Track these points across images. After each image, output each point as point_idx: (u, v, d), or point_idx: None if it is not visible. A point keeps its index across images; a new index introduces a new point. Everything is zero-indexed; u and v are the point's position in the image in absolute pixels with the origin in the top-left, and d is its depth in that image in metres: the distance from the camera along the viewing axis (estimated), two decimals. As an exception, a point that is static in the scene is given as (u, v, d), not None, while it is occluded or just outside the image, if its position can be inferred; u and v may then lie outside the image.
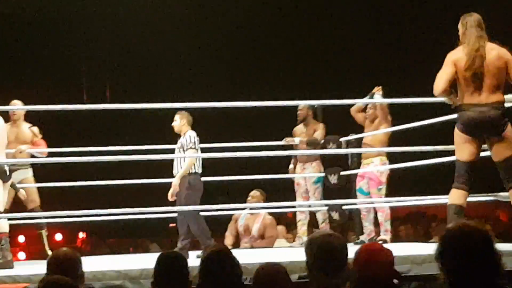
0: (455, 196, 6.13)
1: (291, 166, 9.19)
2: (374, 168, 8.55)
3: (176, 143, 7.94)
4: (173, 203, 7.71)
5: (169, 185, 7.85)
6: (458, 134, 6.13)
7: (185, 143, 7.74)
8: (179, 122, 7.92)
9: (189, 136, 7.80)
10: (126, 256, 9.58)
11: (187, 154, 7.66)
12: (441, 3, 12.67)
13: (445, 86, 6.07)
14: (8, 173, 7.10)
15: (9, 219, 7.24)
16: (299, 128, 9.12)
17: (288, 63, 14.72)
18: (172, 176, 7.83)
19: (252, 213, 9.68)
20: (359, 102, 8.76)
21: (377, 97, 8.58)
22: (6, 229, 7.08)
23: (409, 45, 13.98)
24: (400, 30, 14.03)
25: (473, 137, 6.06)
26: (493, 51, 6.05)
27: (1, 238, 6.96)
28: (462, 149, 6.11)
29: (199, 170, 7.80)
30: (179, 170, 7.76)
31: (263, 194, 9.69)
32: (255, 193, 9.69)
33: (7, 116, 7.94)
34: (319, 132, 8.95)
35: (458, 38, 6.20)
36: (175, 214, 8.21)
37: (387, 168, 8.56)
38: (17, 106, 8.06)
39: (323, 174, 8.86)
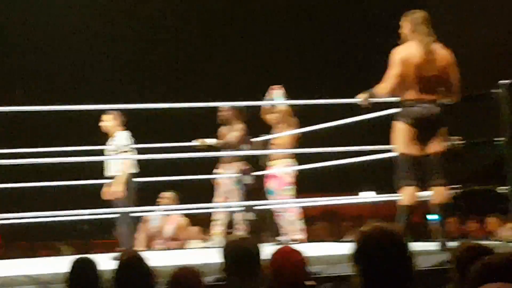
0: (408, 195, 6.09)
1: (215, 171, 9.15)
2: (277, 170, 8.61)
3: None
4: (84, 203, 7.64)
5: (86, 186, 7.83)
6: (405, 129, 6.10)
7: (120, 145, 7.71)
8: (111, 123, 7.86)
9: (123, 137, 7.77)
10: (38, 259, 9.41)
11: (124, 156, 7.65)
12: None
13: (394, 86, 6.10)
14: None
15: None
16: (224, 128, 9.08)
17: (210, 62, 14.69)
18: (102, 177, 7.85)
19: (165, 215, 9.62)
20: (265, 103, 8.74)
21: (278, 98, 8.62)
22: None
23: (319, 47, 14.12)
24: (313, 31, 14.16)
25: (419, 132, 6.07)
26: (441, 51, 6.14)
27: None
28: (410, 144, 6.09)
29: (135, 171, 7.87)
30: (113, 171, 7.71)
31: (176, 196, 9.63)
32: (167, 194, 9.63)
33: None
34: (234, 133, 8.93)
35: (398, 35, 6.24)
36: (89, 216, 8.20)
37: (290, 170, 8.61)
38: None
39: (238, 175, 8.85)
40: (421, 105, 6.07)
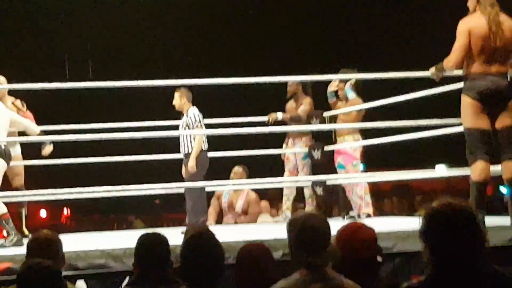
0: (479, 170, 5.95)
1: (284, 146, 9.16)
2: (347, 145, 8.56)
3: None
4: (159, 181, 7.72)
5: (155, 162, 7.91)
6: (471, 104, 5.95)
7: (191, 122, 7.85)
8: (179, 101, 7.97)
9: (192, 114, 7.88)
10: (110, 233, 9.55)
11: (195, 132, 7.79)
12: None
13: (461, 60, 5.99)
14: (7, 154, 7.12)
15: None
16: (290, 104, 9.10)
17: (278, 38, 14.63)
18: (178, 152, 8.02)
19: (235, 190, 9.66)
20: (336, 77, 8.68)
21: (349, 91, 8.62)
22: (5, 209, 7.06)
23: (386, 21, 13.94)
24: (381, 7, 13.98)
25: (486, 106, 5.92)
26: (506, 22, 6.02)
27: (4, 219, 6.94)
28: (478, 118, 5.94)
29: (206, 147, 7.97)
30: (187, 148, 7.88)
31: (245, 171, 9.67)
32: (237, 169, 9.67)
33: None
34: (302, 107, 8.92)
35: (466, 8, 6.13)
36: (159, 191, 8.30)
37: (359, 145, 8.56)
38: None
39: (306, 150, 8.83)
40: (488, 78, 5.94)
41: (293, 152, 8.95)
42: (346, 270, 3.10)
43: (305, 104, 8.93)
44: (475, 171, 5.97)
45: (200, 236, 3.49)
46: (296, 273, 3.46)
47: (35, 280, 3.35)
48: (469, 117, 5.99)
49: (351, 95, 8.66)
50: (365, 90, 8.68)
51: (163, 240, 3.96)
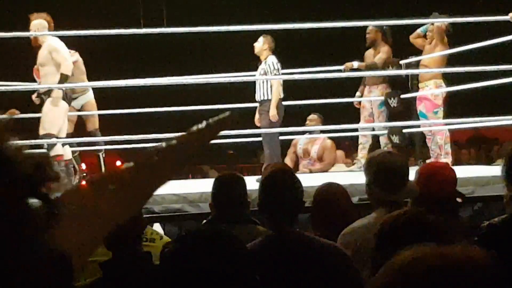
0: None
1: (357, 93, 9.05)
2: (429, 91, 8.39)
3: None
4: (231, 128, 7.69)
5: (231, 109, 7.85)
6: None
7: (269, 70, 7.81)
8: (262, 45, 7.94)
9: (271, 62, 7.87)
10: (186, 181, 9.61)
11: (273, 81, 7.75)
12: None
13: None
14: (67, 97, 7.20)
15: (67, 144, 7.32)
16: (369, 52, 8.95)
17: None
18: (253, 100, 7.97)
19: (311, 137, 9.62)
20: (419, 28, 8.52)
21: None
22: (62, 152, 7.15)
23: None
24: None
25: None
26: None
27: (58, 161, 7.04)
28: None
29: (282, 95, 7.91)
30: (263, 95, 7.86)
31: (320, 117, 9.61)
32: (313, 116, 9.63)
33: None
34: (380, 55, 8.77)
35: None
36: (234, 140, 8.31)
37: (442, 91, 8.38)
38: (67, 32, 7.39)
39: (383, 97, 8.71)
40: None
41: (369, 100, 8.83)
42: (425, 208, 3.02)
43: (383, 52, 8.77)
44: None
45: (281, 170, 3.45)
46: (375, 212, 3.42)
47: None
48: None
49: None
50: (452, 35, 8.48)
51: (240, 180, 3.95)
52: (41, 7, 7.76)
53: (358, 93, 9.04)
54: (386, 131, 8.68)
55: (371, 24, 8.60)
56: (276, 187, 3.24)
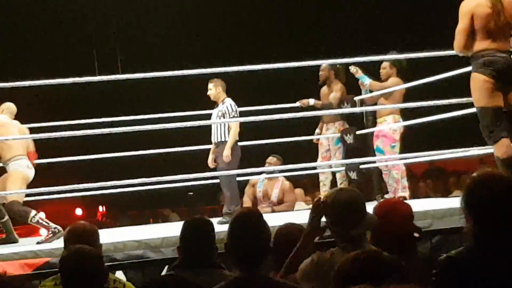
0: (506, 147, 5.77)
1: (317, 130, 9.15)
2: (387, 126, 8.50)
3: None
4: (190, 172, 7.72)
5: (188, 153, 7.90)
6: (484, 81, 5.77)
7: (227, 111, 7.84)
8: (215, 90, 7.97)
9: (229, 104, 7.91)
10: (147, 226, 9.60)
11: (232, 123, 7.84)
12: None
13: (466, 42, 5.89)
14: None
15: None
16: (324, 89, 9.07)
17: (306, 23, 14.53)
18: (209, 143, 8.08)
19: (270, 178, 9.65)
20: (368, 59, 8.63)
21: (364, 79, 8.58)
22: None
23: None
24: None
25: (500, 84, 5.77)
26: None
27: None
28: (494, 95, 5.76)
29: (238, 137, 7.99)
30: (220, 137, 7.91)
31: (279, 160, 9.67)
32: (272, 159, 9.69)
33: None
34: (333, 94, 8.90)
35: None
36: (194, 182, 8.31)
37: (400, 126, 8.50)
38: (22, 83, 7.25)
39: (339, 134, 8.81)
40: (498, 55, 5.81)
41: (326, 137, 8.93)
42: (383, 245, 3.09)
43: (336, 91, 8.90)
44: (500, 148, 5.79)
45: (249, 213, 3.49)
46: (338, 247, 3.49)
47: (78, 265, 3.34)
48: (484, 95, 5.79)
49: (366, 80, 8.62)
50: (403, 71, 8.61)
51: (209, 224, 3.98)
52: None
53: (317, 130, 9.14)
54: (343, 168, 8.77)
55: (323, 63, 8.73)
56: (244, 230, 3.29)
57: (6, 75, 7.31)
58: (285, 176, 9.61)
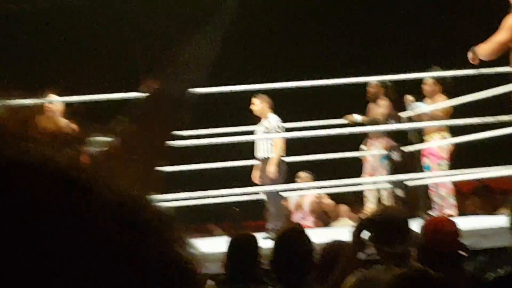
0: None
1: (363, 146, 9.12)
2: (434, 143, 8.43)
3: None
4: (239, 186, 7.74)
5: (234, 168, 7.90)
6: None
7: (273, 127, 7.80)
8: (260, 105, 7.98)
9: (275, 120, 7.88)
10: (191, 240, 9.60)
11: (277, 138, 7.83)
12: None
13: (495, 51, 5.86)
14: None
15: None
16: (371, 105, 9.04)
17: (356, 38, 14.48)
18: (252, 157, 8.06)
19: (301, 195, 9.68)
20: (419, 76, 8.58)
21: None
22: None
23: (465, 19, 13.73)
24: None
25: None
26: None
27: None
28: None
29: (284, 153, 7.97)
30: (265, 153, 7.86)
31: (309, 176, 9.68)
32: (302, 174, 9.69)
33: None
34: (380, 111, 8.85)
35: (509, 3, 6.02)
36: (238, 198, 8.32)
37: (447, 143, 8.42)
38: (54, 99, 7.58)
39: (384, 151, 8.76)
40: None
41: (371, 153, 8.88)
42: (429, 263, 3.06)
43: (383, 107, 8.85)
44: None
45: (294, 230, 3.50)
46: (384, 265, 3.46)
47: None
48: None
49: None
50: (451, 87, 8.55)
51: (254, 240, 3.99)
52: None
53: (363, 146, 9.10)
54: (389, 185, 8.71)
55: (372, 80, 8.69)
56: (288, 247, 3.29)
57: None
58: (328, 193, 9.59)
